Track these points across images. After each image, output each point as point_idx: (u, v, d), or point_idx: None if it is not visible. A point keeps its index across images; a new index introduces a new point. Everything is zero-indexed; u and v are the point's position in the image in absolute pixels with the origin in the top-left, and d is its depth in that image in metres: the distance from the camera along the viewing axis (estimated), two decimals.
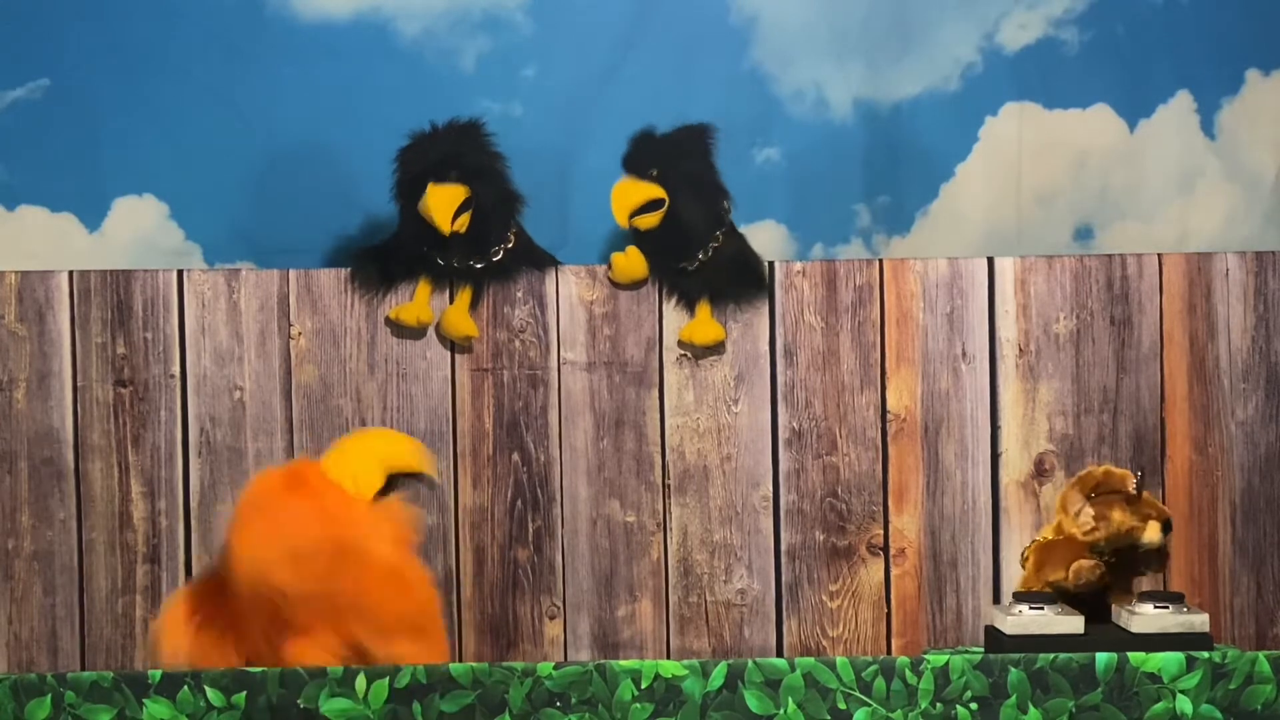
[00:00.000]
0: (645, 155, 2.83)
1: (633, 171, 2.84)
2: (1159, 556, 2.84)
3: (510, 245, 2.85)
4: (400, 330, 2.87)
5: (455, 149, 2.80)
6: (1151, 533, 2.78)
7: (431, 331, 2.87)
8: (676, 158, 2.83)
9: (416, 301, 2.85)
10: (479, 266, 2.84)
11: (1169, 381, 2.91)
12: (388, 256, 2.86)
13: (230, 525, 2.62)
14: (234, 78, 2.95)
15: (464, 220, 2.80)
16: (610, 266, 2.87)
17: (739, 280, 2.87)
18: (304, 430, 2.87)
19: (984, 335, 2.91)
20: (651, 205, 2.83)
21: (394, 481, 2.72)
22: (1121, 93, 3.02)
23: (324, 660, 2.56)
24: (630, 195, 2.83)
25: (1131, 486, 2.78)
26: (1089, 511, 2.78)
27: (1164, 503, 2.87)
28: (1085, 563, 2.75)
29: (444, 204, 2.78)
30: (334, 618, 2.57)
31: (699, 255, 2.86)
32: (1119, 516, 2.77)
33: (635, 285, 2.89)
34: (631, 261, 2.86)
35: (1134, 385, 2.91)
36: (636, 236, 2.86)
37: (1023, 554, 2.86)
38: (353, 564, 2.58)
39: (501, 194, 2.84)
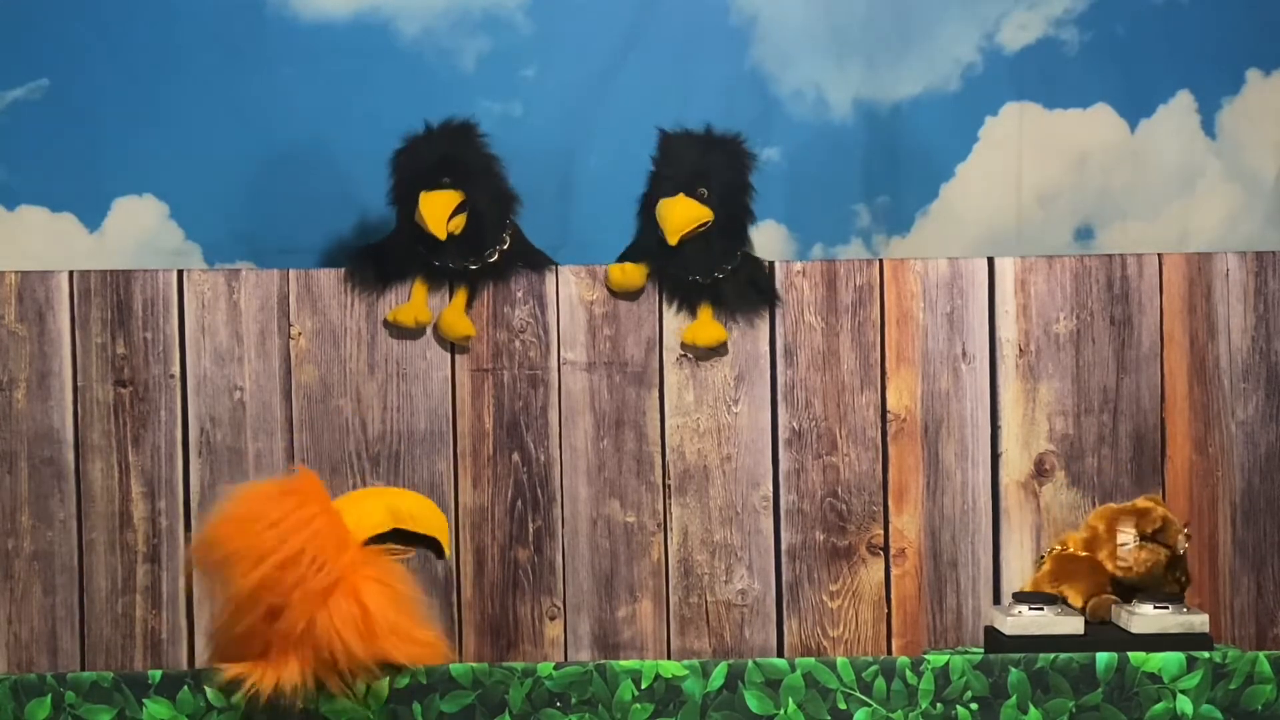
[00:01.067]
0: (687, 163, 2.80)
1: (670, 177, 2.81)
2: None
3: (505, 246, 2.85)
4: (399, 331, 2.87)
5: (450, 151, 2.79)
6: (1172, 587, 2.78)
7: (430, 332, 2.87)
8: (718, 175, 2.81)
9: (414, 302, 2.85)
10: (474, 268, 2.84)
11: (1169, 381, 2.91)
12: (384, 256, 2.86)
13: (211, 519, 2.56)
14: (234, 78, 2.95)
15: (459, 222, 2.80)
16: (608, 278, 2.86)
17: (748, 297, 2.86)
18: (304, 430, 2.87)
19: (984, 335, 2.91)
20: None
21: (404, 541, 2.63)
22: (1121, 93, 3.02)
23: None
24: (685, 216, 2.79)
25: (1181, 547, 2.77)
26: (1134, 548, 2.76)
27: (1164, 502, 2.87)
28: (1106, 600, 2.74)
29: (437, 210, 2.78)
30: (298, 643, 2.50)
31: (715, 274, 2.85)
32: (1155, 565, 2.76)
33: (632, 295, 2.88)
34: (628, 274, 2.86)
35: (1134, 385, 2.91)
36: (661, 250, 2.83)
37: (1041, 556, 2.86)
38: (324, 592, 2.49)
39: (496, 195, 2.84)
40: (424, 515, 2.65)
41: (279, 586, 2.47)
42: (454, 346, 2.88)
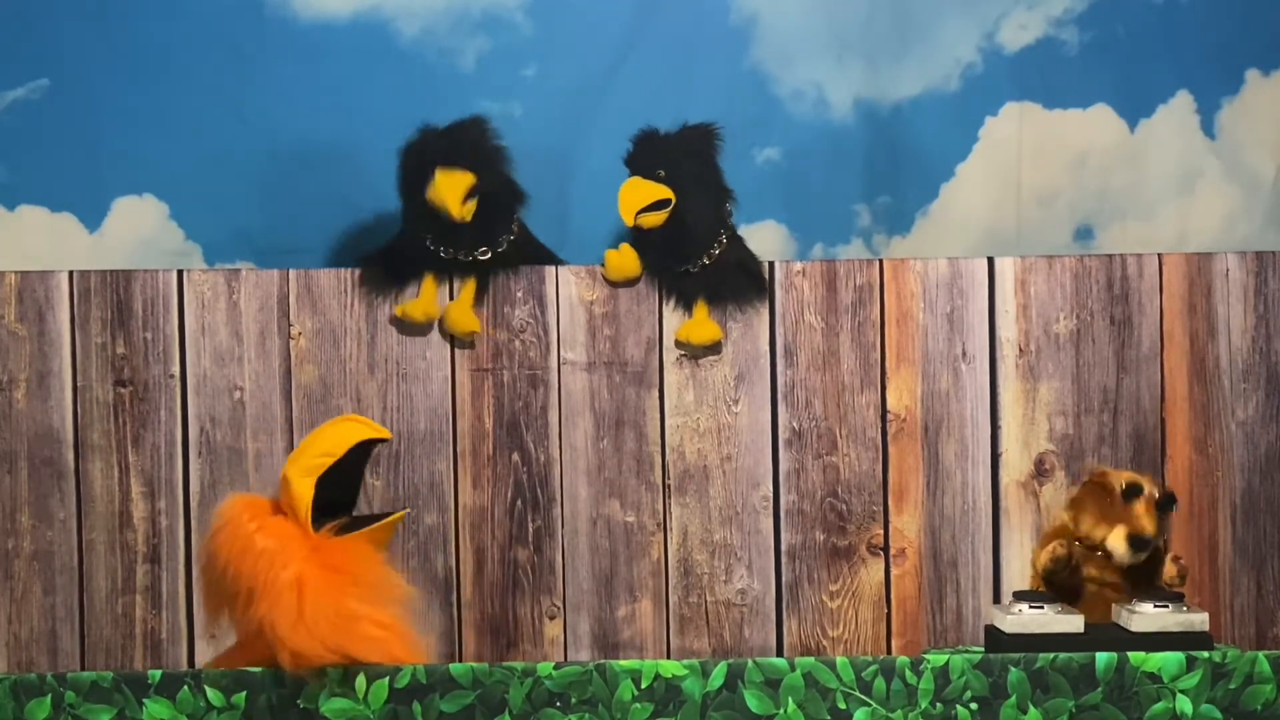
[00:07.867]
0: (650, 154, 2.84)
1: (638, 171, 2.84)
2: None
3: (514, 236, 2.86)
4: (406, 328, 2.87)
5: (460, 139, 2.80)
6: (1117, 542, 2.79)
7: (434, 331, 2.87)
8: (682, 158, 2.84)
9: (423, 298, 2.85)
10: (485, 257, 2.84)
11: (1169, 381, 2.91)
12: (394, 256, 2.86)
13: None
14: (234, 78, 2.95)
15: (470, 208, 2.80)
16: (604, 264, 2.87)
17: (740, 284, 2.87)
18: (304, 430, 2.87)
19: (984, 335, 2.91)
20: (658, 205, 2.83)
21: (355, 463, 2.56)
22: (1121, 93, 3.02)
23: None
24: (638, 194, 2.83)
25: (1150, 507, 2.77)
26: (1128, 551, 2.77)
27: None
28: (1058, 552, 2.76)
29: (455, 188, 2.78)
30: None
31: (702, 259, 2.86)
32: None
33: (630, 283, 2.89)
34: (625, 259, 2.87)
35: (1134, 385, 2.91)
36: (639, 236, 2.86)
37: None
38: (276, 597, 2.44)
39: (505, 183, 2.84)
40: (338, 439, 2.54)
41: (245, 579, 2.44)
42: (454, 346, 2.88)
